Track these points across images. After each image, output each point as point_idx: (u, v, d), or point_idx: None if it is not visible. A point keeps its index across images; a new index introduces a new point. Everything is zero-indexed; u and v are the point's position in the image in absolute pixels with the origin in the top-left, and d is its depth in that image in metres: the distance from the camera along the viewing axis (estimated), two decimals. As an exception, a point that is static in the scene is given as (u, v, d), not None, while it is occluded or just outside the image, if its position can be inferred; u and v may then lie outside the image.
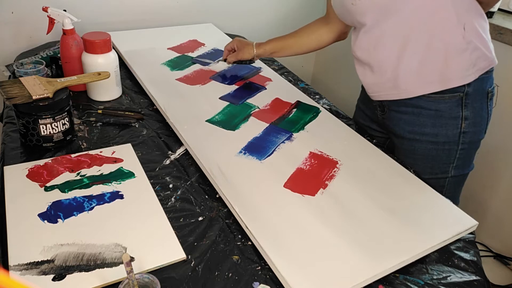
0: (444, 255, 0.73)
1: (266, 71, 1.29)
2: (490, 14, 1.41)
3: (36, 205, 0.73)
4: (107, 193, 0.77)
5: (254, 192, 0.78)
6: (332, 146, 0.94)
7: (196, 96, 1.10)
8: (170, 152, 0.92)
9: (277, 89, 1.18)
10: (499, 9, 1.46)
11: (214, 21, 1.67)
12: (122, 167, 0.84)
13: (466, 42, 0.88)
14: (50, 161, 0.84)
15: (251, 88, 1.17)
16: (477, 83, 0.91)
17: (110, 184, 0.79)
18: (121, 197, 0.76)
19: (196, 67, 1.26)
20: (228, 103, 1.08)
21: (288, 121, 1.02)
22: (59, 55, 1.14)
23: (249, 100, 1.10)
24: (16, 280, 0.27)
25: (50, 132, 0.87)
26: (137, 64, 1.24)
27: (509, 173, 1.43)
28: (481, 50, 0.89)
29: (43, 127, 0.86)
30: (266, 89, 1.18)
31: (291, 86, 1.22)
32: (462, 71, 0.89)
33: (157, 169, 0.86)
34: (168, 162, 0.89)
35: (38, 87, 0.87)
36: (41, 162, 0.83)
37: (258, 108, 1.07)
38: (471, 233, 0.78)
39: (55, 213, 0.71)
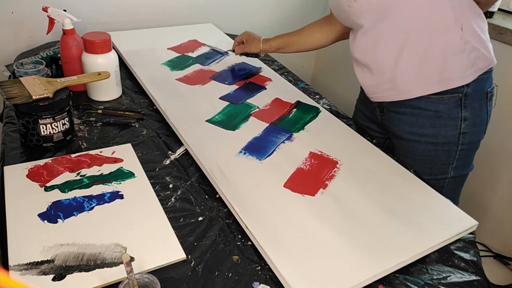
0: (444, 255, 0.73)
1: (266, 71, 1.29)
2: (489, 14, 1.41)
3: (36, 205, 0.73)
4: (107, 193, 0.77)
5: (254, 192, 0.78)
6: (332, 146, 0.94)
7: (196, 96, 1.10)
8: (170, 152, 0.92)
9: (277, 89, 1.18)
10: (499, 9, 1.46)
11: (214, 21, 1.67)
12: (122, 167, 0.84)
13: (464, 43, 0.88)
14: (50, 161, 0.84)
15: (251, 88, 1.17)
16: (476, 84, 0.91)
17: (110, 184, 0.79)
18: (121, 197, 0.76)
19: (196, 67, 1.26)
20: (228, 103, 1.08)
21: (288, 121, 1.02)
22: (59, 55, 1.14)
23: (249, 100, 1.10)
24: (16, 280, 0.27)
25: (50, 132, 0.87)
26: (137, 64, 1.24)
27: (509, 173, 1.44)
28: (480, 50, 0.89)
29: (43, 127, 0.86)
30: (266, 89, 1.18)
31: (291, 86, 1.22)
32: (461, 71, 0.89)
33: (157, 169, 0.86)
34: (168, 162, 0.89)
35: (38, 87, 0.87)
36: (41, 162, 0.83)
37: (258, 108, 1.07)
38: (471, 233, 0.78)
39: (55, 213, 0.71)
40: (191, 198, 0.79)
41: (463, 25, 0.87)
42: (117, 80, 1.10)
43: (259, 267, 0.67)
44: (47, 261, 0.63)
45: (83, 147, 0.91)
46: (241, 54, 1.27)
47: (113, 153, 0.88)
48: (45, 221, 0.70)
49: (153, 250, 0.66)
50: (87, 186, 0.78)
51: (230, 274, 0.65)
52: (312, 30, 1.16)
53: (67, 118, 0.89)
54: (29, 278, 0.60)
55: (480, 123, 0.96)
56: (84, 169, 0.83)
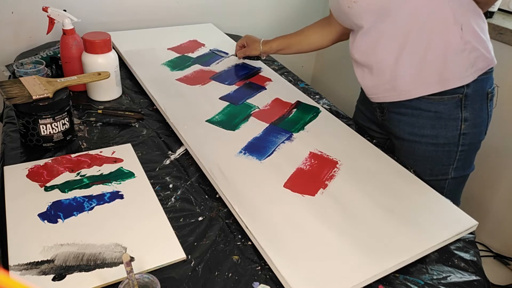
0: (444, 255, 0.73)
1: (266, 71, 1.29)
2: (490, 14, 1.41)
3: (36, 205, 0.73)
4: (107, 193, 0.77)
5: (254, 192, 0.78)
6: (332, 146, 0.94)
7: (196, 96, 1.10)
8: (170, 152, 0.92)
9: (277, 89, 1.18)
10: (499, 9, 1.46)
11: (214, 21, 1.67)
12: (122, 167, 0.84)
13: (464, 43, 0.88)
14: (50, 161, 0.84)
15: (251, 88, 1.17)
16: (476, 84, 0.91)
17: (110, 184, 0.79)
18: (121, 197, 0.76)
19: (196, 67, 1.26)
20: (228, 103, 1.08)
21: (288, 121, 1.02)
22: (59, 55, 1.14)
23: (249, 100, 1.10)
24: (16, 280, 0.27)
25: (50, 132, 0.87)
26: (137, 64, 1.24)
27: (510, 174, 1.43)
28: (480, 50, 0.89)
29: (43, 127, 0.86)
30: (266, 89, 1.18)
31: (291, 86, 1.22)
32: (461, 72, 0.89)
33: (157, 169, 0.86)
34: (168, 162, 0.89)
35: (38, 87, 0.87)
36: (41, 162, 0.83)
37: (258, 108, 1.07)
38: (471, 233, 0.78)
39: (55, 213, 0.71)
40: (191, 198, 0.79)
41: (463, 25, 0.87)
42: (117, 80, 1.10)
43: (259, 267, 0.67)
44: (47, 261, 0.63)
45: (83, 147, 0.91)
46: (243, 58, 1.29)
47: (113, 153, 0.88)
48: (45, 221, 0.70)
49: (153, 250, 0.66)
50: (87, 186, 0.78)
51: (230, 274, 0.65)
52: (312, 31, 1.17)
53: (67, 118, 0.89)
54: (29, 278, 0.60)
55: (480, 124, 0.96)
56: (84, 169, 0.83)
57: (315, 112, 1.08)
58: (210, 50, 1.39)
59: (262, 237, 0.68)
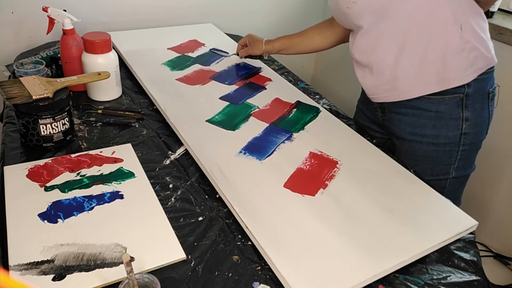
0: (444, 255, 0.73)
1: (266, 71, 1.29)
2: (490, 14, 1.41)
3: (36, 205, 0.73)
4: (107, 193, 0.77)
5: (254, 192, 0.78)
6: (332, 146, 0.94)
7: (196, 96, 1.10)
8: (170, 152, 0.92)
9: (277, 89, 1.18)
10: (499, 9, 1.46)
11: (214, 21, 1.67)
12: (122, 167, 0.84)
13: (464, 42, 0.87)
14: (50, 161, 0.84)
15: (251, 88, 1.17)
16: (477, 84, 0.91)
17: (110, 184, 0.79)
18: (121, 197, 0.76)
19: (196, 67, 1.26)
20: (228, 103, 1.08)
21: (288, 121, 1.02)
22: (59, 55, 1.14)
23: (249, 100, 1.10)
24: (16, 280, 0.27)
25: (50, 132, 0.87)
26: (137, 64, 1.24)
27: (510, 174, 1.43)
28: (479, 49, 0.89)
29: (43, 127, 0.86)
30: (266, 89, 1.18)
31: (291, 86, 1.22)
32: (461, 71, 0.89)
33: (157, 169, 0.86)
34: (168, 162, 0.89)
35: (38, 87, 0.87)
36: (41, 162, 0.83)
37: (258, 108, 1.07)
38: (471, 233, 0.78)
39: (55, 213, 0.71)
40: (191, 198, 0.79)
41: (462, 24, 0.86)
42: (117, 80, 1.10)
43: (259, 267, 0.67)
44: (47, 261, 0.63)
45: (83, 147, 0.91)
46: (245, 57, 1.29)
47: (113, 153, 0.88)
48: (45, 221, 0.70)
49: (153, 250, 0.66)
50: (87, 186, 0.78)
51: (230, 274, 0.65)
52: (314, 33, 1.17)
53: (67, 118, 0.89)
54: (29, 278, 0.60)
55: (481, 124, 0.96)
56: (84, 169, 0.83)
57: (315, 112, 1.08)
58: (210, 49, 1.39)
59: (262, 237, 0.68)
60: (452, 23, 0.86)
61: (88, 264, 0.63)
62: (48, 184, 0.78)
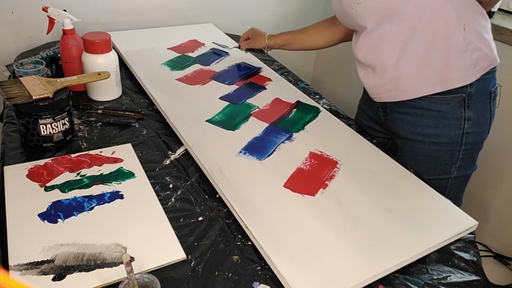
0: (444, 255, 0.73)
1: (266, 71, 1.29)
2: (490, 14, 1.41)
3: (36, 205, 0.73)
4: (107, 193, 0.77)
5: (254, 192, 0.78)
6: (332, 146, 0.94)
7: (196, 96, 1.10)
8: (170, 152, 0.92)
9: (277, 89, 1.18)
10: (499, 9, 1.46)
11: (214, 21, 1.67)
12: (122, 167, 0.84)
13: (467, 43, 0.87)
14: (50, 161, 0.84)
15: (251, 88, 1.17)
16: (479, 84, 0.91)
17: (110, 184, 0.79)
18: (121, 197, 0.76)
19: (196, 67, 1.26)
20: (228, 103, 1.08)
21: (288, 121, 1.02)
22: (59, 55, 1.14)
23: (249, 100, 1.10)
24: (16, 280, 0.27)
25: (50, 132, 0.87)
26: (137, 64, 1.24)
27: (511, 173, 1.43)
28: (482, 50, 0.89)
29: (43, 127, 0.86)
30: (266, 89, 1.18)
31: (291, 86, 1.22)
32: (463, 71, 0.89)
33: (157, 169, 0.86)
34: (168, 162, 0.89)
35: (38, 87, 0.87)
36: (41, 162, 0.83)
37: (258, 108, 1.07)
38: (471, 233, 0.78)
39: (55, 213, 0.71)
40: (191, 198, 0.79)
41: (465, 25, 0.87)
42: (117, 80, 1.10)
43: (259, 267, 0.67)
44: (47, 261, 0.63)
45: (83, 147, 0.91)
46: (247, 50, 1.30)
47: (113, 153, 0.88)
48: (45, 221, 0.70)
49: (153, 250, 0.66)
50: (87, 186, 0.78)
51: (230, 274, 0.65)
52: (317, 30, 1.18)
53: (67, 118, 0.89)
54: (29, 278, 0.60)
55: (483, 123, 0.96)
56: (84, 169, 0.83)
57: (315, 112, 1.08)
58: (210, 49, 1.39)
59: (262, 237, 0.68)
60: (455, 24, 0.86)
61: (88, 264, 0.63)
62: (48, 184, 0.78)
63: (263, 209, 0.74)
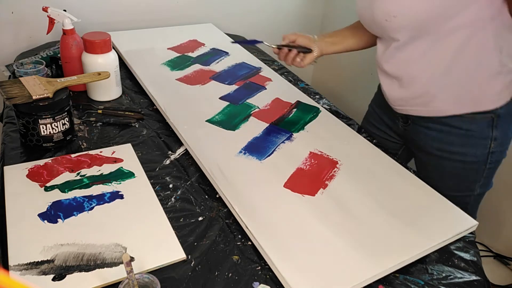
0: (444, 255, 0.73)
1: (266, 71, 1.29)
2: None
3: (36, 205, 0.73)
4: (107, 193, 0.77)
5: (254, 192, 0.78)
6: (332, 146, 0.94)
7: (196, 96, 1.10)
8: (170, 152, 0.92)
9: (277, 89, 1.18)
10: None
11: (214, 21, 1.67)
12: (122, 167, 0.84)
13: (502, 66, 0.85)
14: (50, 161, 0.84)
15: (251, 88, 1.17)
16: (509, 105, 0.89)
17: (110, 184, 0.79)
18: (121, 197, 0.76)
19: (196, 67, 1.26)
20: (228, 103, 1.08)
21: (288, 121, 1.02)
22: (59, 55, 1.14)
23: (249, 100, 1.10)
24: (16, 280, 0.27)
25: (50, 132, 0.87)
26: (137, 64, 1.24)
27: (511, 173, 1.43)
28: None
29: (43, 127, 0.86)
30: (266, 89, 1.18)
31: (291, 86, 1.22)
32: (496, 94, 0.87)
33: (157, 169, 0.86)
34: (168, 162, 0.89)
35: (38, 87, 0.87)
36: (41, 162, 0.83)
37: (258, 108, 1.07)
38: (471, 233, 0.78)
39: (55, 213, 0.71)
40: (191, 198, 0.79)
41: (502, 47, 0.84)
42: (117, 80, 1.10)
43: (259, 267, 0.67)
44: (47, 261, 0.63)
45: (83, 147, 0.91)
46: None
47: (113, 153, 0.88)
48: (45, 221, 0.70)
49: (153, 250, 0.66)
50: (87, 186, 0.78)
51: (230, 274, 0.65)
52: (351, 32, 1.09)
53: (67, 118, 0.89)
54: (29, 278, 0.60)
55: (507, 142, 0.94)
56: (84, 169, 0.83)
57: (315, 112, 1.08)
58: (210, 49, 1.39)
59: (262, 237, 0.68)
60: (492, 46, 0.83)
61: (88, 264, 0.63)
62: (48, 184, 0.78)
63: (263, 209, 0.74)
